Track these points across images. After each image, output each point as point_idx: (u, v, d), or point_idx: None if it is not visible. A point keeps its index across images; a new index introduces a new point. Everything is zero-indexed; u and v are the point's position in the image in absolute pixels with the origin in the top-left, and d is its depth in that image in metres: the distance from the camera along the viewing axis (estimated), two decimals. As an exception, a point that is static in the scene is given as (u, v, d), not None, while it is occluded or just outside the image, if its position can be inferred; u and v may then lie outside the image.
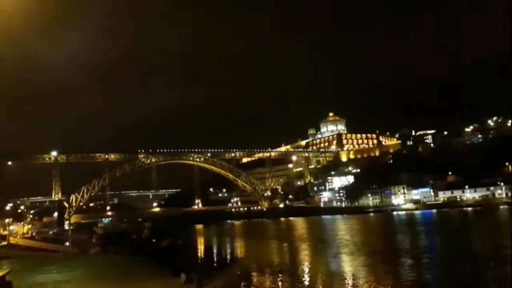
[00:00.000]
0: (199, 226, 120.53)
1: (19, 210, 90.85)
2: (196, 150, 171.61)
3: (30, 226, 66.47)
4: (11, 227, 49.96)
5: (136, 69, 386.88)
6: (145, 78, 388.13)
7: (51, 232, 63.25)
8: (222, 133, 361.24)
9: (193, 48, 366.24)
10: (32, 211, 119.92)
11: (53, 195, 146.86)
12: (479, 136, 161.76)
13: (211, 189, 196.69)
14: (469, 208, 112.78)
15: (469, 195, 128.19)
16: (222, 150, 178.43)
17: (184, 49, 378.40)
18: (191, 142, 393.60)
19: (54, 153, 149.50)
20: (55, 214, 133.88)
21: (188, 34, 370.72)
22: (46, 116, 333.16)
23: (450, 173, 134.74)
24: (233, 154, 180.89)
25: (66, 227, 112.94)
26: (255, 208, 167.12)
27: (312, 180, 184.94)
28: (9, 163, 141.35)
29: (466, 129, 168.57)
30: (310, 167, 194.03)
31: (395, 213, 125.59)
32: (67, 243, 46.77)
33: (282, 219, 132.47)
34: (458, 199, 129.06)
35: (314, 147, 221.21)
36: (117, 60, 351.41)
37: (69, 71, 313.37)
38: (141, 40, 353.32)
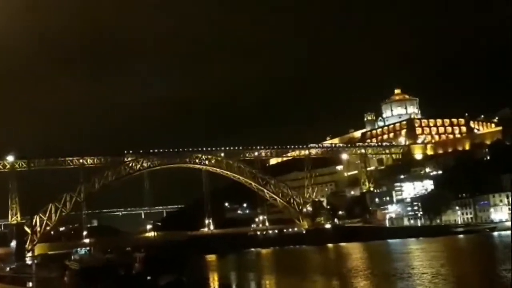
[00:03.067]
0: (212, 257, 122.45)
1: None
2: (204, 149, 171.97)
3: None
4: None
5: (117, 52, 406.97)
6: (132, 63, 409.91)
7: (8, 269, 64.28)
8: (241, 127, 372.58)
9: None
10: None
11: (9, 217, 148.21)
12: None
13: (226, 204, 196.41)
14: None
15: None
16: (241, 148, 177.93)
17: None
18: (198, 141, 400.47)
19: (10, 158, 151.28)
20: (13, 243, 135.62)
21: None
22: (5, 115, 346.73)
23: None
24: (256, 153, 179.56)
25: (29, 260, 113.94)
26: (290, 230, 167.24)
27: (372, 188, 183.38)
28: None
29: None
30: (368, 169, 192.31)
31: (496, 233, 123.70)
32: (30, 284, 47.27)
33: (330, 245, 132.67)
34: None
35: (374, 140, 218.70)
36: (93, 44, 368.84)
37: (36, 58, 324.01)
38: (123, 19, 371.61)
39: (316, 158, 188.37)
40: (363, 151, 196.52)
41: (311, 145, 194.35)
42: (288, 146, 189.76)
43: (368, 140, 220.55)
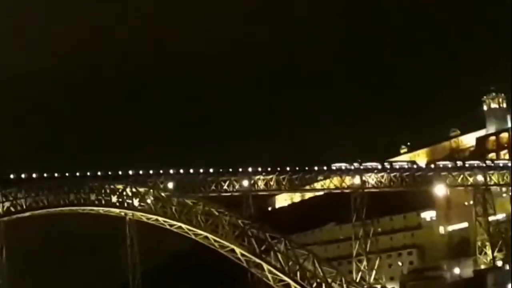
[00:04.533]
0: None
1: None
2: (131, 172, 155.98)
3: None
4: None
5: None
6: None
7: None
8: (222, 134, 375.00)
9: None
10: None
11: None
12: None
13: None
14: None
15: None
16: (212, 171, 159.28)
17: None
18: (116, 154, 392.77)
19: None
20: None
21: None
22: None
23: None
24: (246, 183, 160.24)
25: None
26: None
27: (500, 262, 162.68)
28: None
29: None
30: (492, 218, 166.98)
31: None
32: None
33: None
34: None
35: (504, 154, 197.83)
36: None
37: None
38: None
39: (377, 193, 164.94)
40: (480, 178, 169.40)
41: (367, 164, 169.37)
42: (315, 168, 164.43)
43: (492, 155, 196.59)
